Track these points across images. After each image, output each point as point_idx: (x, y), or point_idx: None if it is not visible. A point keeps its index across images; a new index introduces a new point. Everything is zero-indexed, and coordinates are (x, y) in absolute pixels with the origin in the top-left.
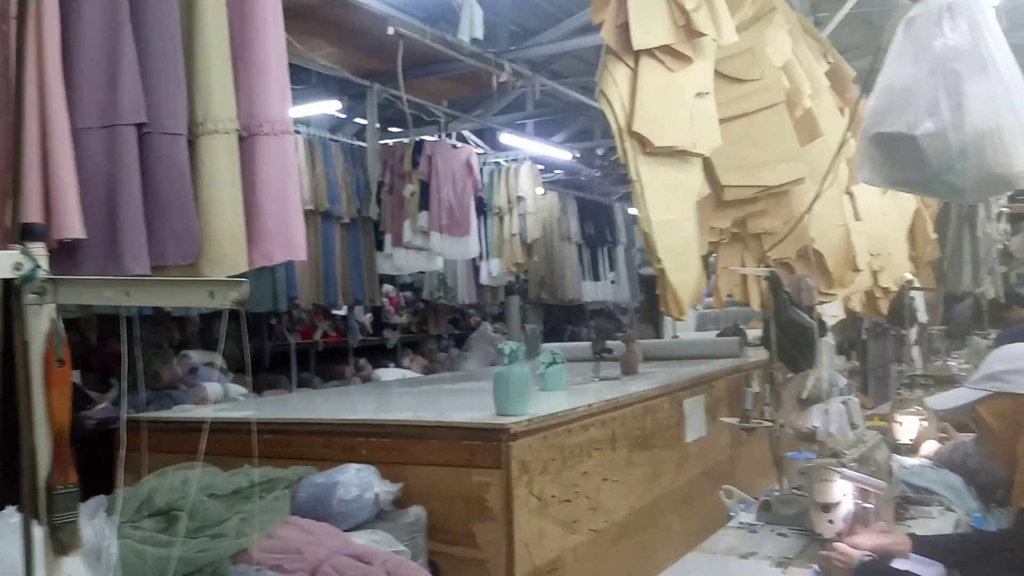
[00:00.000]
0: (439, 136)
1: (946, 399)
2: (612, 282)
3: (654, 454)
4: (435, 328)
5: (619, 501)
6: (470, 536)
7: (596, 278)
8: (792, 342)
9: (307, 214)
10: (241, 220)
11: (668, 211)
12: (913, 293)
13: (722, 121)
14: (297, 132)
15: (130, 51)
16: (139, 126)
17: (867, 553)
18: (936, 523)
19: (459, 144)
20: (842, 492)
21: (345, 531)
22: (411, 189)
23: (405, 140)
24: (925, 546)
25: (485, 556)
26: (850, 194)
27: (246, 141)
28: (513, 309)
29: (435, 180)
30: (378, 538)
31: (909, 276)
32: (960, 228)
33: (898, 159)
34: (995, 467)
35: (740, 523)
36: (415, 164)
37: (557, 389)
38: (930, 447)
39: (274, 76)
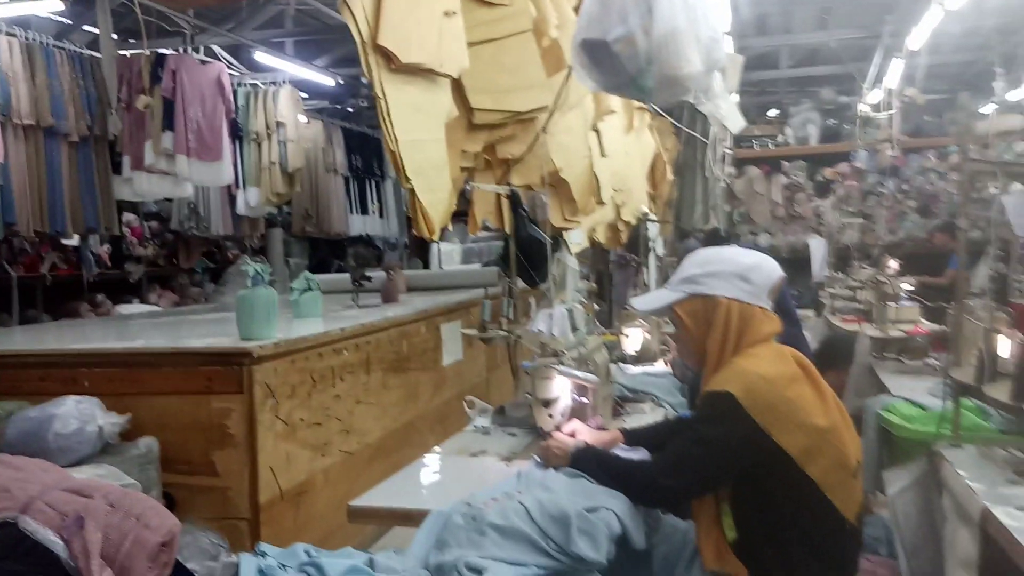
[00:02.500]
0: (184, 49)
1: (648, 300)
2: (381, 216)
3: (410, 377)
4: (186, 261)
5: (373, 423)
6: (209, 465)
7: (364, 211)
8: (529, 258)
9: (27, 129)
10: None
11: (415, 131)
12: (651, 228)
13: (472, 44)
14: (12, 35)
15: None
16: None
17: (583, 442)
18: (647, 417)
19: (208, 60)
20: (560, 388)
21: (65, 467)
22: (145, 101)
23: (147, 52)
24: (633, 435)
25: (226, 484)
26: (597, 131)
27: None
28: (275, 242)
29: (180, 98)
30: (103, 472)
31: (645, 209)
32: (692, 169)
33: (601, 64)
34: (690, 362)
35: (475, 427)
36: (157, 79)
37: (311, 316)
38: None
39: None
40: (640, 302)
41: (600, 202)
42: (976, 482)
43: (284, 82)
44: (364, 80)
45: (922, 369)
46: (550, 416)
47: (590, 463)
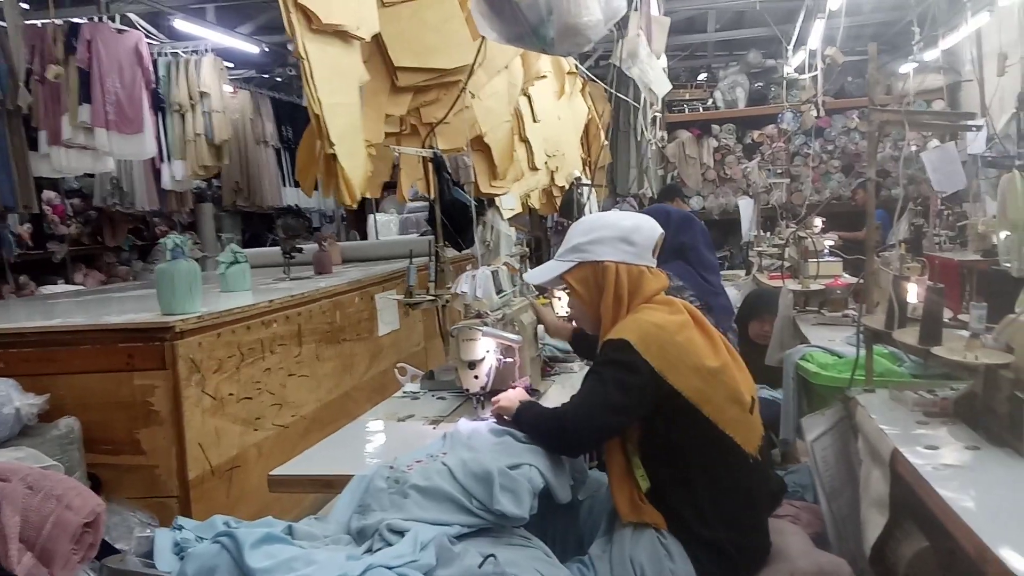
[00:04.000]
0: (98, 18)
1: (539, 273)
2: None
3: (345, 348)
4: (112, 239)
5: (307, 395)
6: (135, 443)
7: (297, 184)
8: (454, 222)
9: None
10: None
11: (336, 94)
12: (585, 193)
13: (394, 3)
14: None
15: None
16: None
17: (529, 399)
18: (576, 376)
19: (125, 28)
20: (485, 349)
21: None
22: (55, 71)
23: (59, 21)
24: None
25: (153, 462)
26: (528, 96)
27: None
28: (206, 217)
29: (97, 68)
30: (22, 455)
31: (577, 174)
32: (625, 134)
33: (502, 15)
34: (587, 327)
35: (404, 392)
36: (72, 50)
37: (239, 289)
38: None
39: None
40: (531, 275)
41: (533, 167)
42: (887, 425)
43: (207, 50)
44: (290, 47)
45: (840, 320)
46: (475, 377)
47: (523, 414)
